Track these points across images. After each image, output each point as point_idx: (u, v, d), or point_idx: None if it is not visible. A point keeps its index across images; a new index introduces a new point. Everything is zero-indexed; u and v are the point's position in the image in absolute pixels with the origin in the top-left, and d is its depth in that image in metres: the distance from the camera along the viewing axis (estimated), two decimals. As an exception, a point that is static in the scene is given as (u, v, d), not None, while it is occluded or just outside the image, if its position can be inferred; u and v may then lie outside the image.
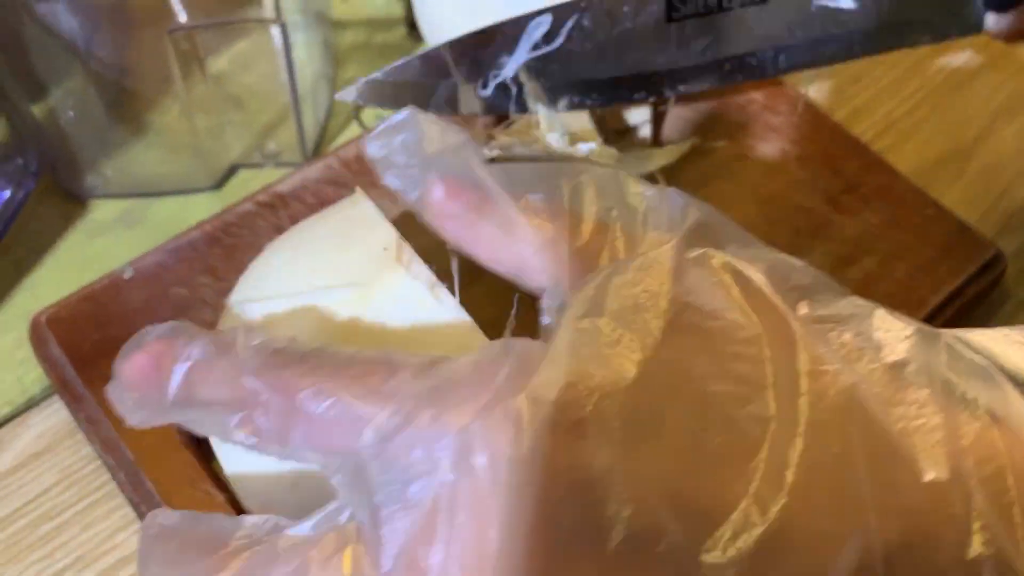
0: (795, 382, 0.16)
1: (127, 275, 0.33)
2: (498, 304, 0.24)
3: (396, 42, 0.44)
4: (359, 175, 0.37)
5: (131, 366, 0.20)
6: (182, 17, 0.33)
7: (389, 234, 0.25)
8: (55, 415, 0.33)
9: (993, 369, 0.17)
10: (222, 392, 0.19)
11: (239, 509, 0.29)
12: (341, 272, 0.25)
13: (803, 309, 0.18)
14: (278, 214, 0.35)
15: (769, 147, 0.38)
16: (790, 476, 0.15)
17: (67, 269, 0.36)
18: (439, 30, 0.38)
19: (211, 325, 0.32)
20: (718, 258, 0.18)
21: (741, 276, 0.17)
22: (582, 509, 0.14)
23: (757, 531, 0.15)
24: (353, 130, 0.41)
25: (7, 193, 0.37)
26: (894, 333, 0.17)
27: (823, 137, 0.38)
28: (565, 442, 0.15)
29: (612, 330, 0.16)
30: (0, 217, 0.37)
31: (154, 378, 0.19)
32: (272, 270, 0.27)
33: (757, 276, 0.17)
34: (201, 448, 0.30)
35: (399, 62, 0.32)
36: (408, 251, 0.25)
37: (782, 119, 0.38)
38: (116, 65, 0.38)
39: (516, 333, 0.20)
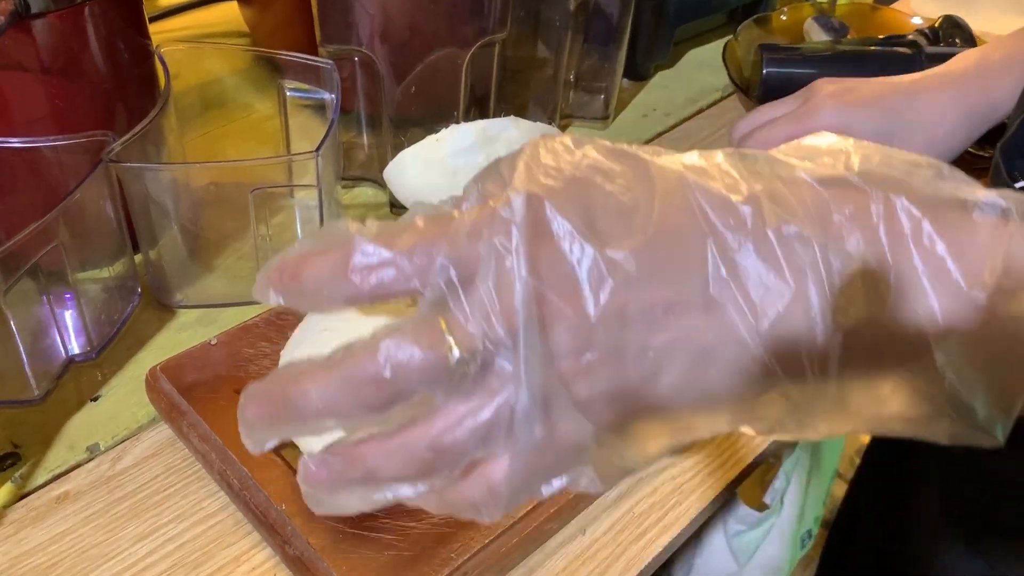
0: (651, 179, 0.26)
1: (213, 342, 0.51)
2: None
3: (382, 217, 0.65)
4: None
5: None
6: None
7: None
8: (159, 434, 0.49)
9: (768, 159, 0.28)
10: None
11: (294, 470, 0.45)
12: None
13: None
14: (310, 308, 0.54)
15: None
16: (656, 215, 0.26)
17: (163, 351, 0.54)
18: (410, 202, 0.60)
19: (270, 369, 0.50)
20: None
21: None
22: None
23: (643, 238, 0.25)
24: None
25: (127, 307, 0.56)
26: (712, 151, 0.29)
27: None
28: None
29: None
30: (117, 322, 0.55)
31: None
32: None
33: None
34: (266, 435, 0.46)
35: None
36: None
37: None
38: (198, 225, 0.58)
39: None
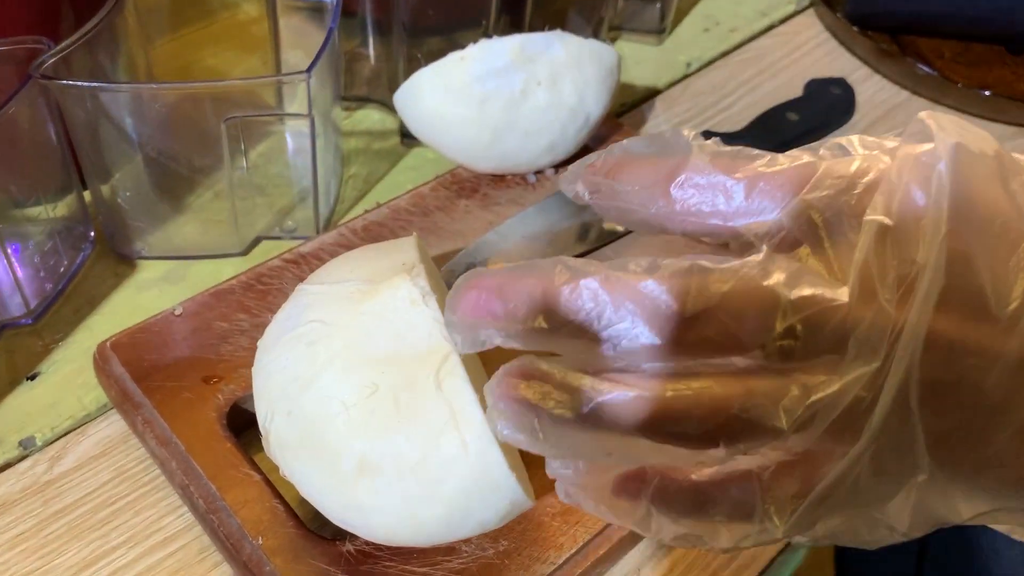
0: None
1: (177, 312, 0.41)
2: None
3: (391, 148, 0.54)
4: (364, 240, 0.45)
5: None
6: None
7: (412, 257, 0.33)
8: (110, 427, 0.40)
9: None
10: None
11: (273, 489, 0.35)
12: (369, 272, 0.33)
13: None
14: (300, 269, 0.44)
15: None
16: None
17: (119, 316, 0.44)
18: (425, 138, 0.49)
19: (248, 350, 0.40)
20: None
21: None
22: None
23: None
24: (353, 213, 0.50)
25: (77, 257, 0.45)
26: None
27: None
28: None
29: None
30: (63, 276, 0.45)
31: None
32: (334, 267, 0.34)
33: None
34: (240, 439, 0.37)
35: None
36: (420, 270, 0.33)
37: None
38: (165, 155, 0.47)
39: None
